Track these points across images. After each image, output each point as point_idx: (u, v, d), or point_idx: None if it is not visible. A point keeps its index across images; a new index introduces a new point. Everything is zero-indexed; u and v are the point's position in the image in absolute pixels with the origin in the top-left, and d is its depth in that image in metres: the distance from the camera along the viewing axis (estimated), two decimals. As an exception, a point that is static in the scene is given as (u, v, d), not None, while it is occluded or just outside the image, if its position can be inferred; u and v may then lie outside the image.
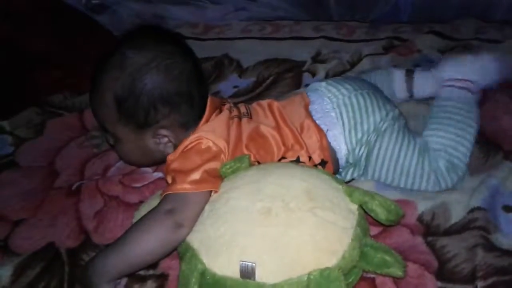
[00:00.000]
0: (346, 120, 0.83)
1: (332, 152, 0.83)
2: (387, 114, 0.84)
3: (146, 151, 0.80)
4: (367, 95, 0.85)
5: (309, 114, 0.84)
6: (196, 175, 0.72)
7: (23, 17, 1.21)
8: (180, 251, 0.70)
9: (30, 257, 0.81)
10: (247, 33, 1.48)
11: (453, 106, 0.91)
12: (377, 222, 0.73)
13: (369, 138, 0.83)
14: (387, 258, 0.65)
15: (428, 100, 1.01)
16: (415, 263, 0.72)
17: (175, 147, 0.78)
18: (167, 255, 0.72)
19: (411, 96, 1.02)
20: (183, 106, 0.77)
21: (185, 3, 1.52)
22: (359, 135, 0.83)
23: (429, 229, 0.78)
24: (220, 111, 0.82)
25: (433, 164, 0.83)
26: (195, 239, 0.68)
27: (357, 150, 0.83)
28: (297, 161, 0.80)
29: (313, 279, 0.61)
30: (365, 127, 0.83)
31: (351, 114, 0.83)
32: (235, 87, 1.23)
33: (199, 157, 0.75)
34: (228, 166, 0.75)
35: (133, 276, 0.74)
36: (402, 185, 0.85)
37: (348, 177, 0.87)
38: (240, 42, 1.44)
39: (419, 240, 0.77)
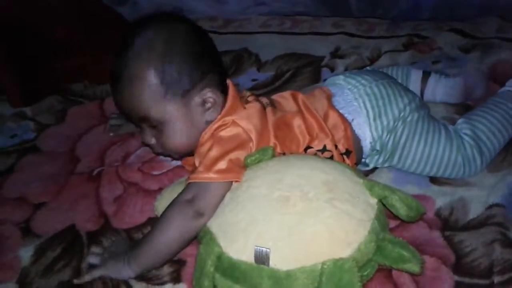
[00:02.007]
0: (370, 109, 0.84)
1: (356, 141, 0.83)
2: (409, 102, 0.84)
3: (194, 124, 0.78)
4: (387, 85, 0.86)
5: (332, 105, 0.85)
6: (221, 165, 0.73)
7: (48, 5, 1.23)
8: (199, 235, 0.71)
9: (50, 239, 0.82)
10: (266, 28, 1.48)
11: (502, 103, 0.91)
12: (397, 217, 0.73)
13: (395, 124, 0.83)
14: (405, 253, 0.65)
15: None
16: (432, 256, 0.72)
17: (217, 112, 0.79)
18: (190, 242, 0.73)
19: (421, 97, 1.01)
20: (215, 65, 0.80)
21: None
22: (385, 122, 0.83)
23: (446, 223, 0.78)
24: (247, 101, 0.82)
25: (461, 149, 0.83)
26: (214, 224, 0.69)
27: (384, 137, 0.83)
28: (323, 150, 0.81)
29: (327, 268, 0.61)
30: (390, 114, 0.83)
31: (374, 102, 0.84)
32: (253, 80, 1.24)
33: (228, 144, 0.75)
34: (253, 158, 0.75)
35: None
36: (427, 171, 0.85)
37: (372, 165, 0.87)
38: (259, 36, 1.44)
39: (437, 234, 0.76)
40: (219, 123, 0.77)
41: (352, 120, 0.83)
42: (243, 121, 0.77)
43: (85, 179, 0.94)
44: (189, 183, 0.73)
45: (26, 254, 0.80)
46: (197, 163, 0.76)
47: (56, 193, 0.91)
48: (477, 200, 0.81)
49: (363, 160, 0.86)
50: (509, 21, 1.32)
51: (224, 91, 0.81)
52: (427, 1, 1.41)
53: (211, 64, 0.79)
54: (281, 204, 0.66)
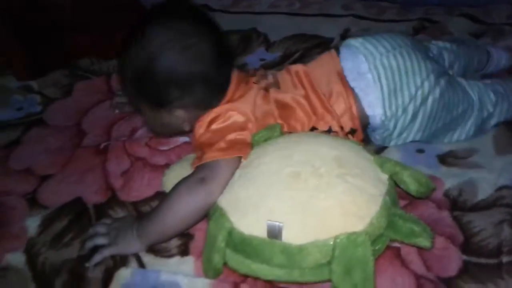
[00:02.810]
0: (385, 84, 0.79)
1: (363, 118, 0.82)
2: (427, 75, 0.80)
3: (165, 125, 0.81)
4: (407, 54, 0.81)
5: (339, 76, 0.82)
6: (222, 144, 0.73)
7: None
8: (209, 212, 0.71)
9: (57, 210, 0.82)
10: (275, 8, 1.47)
11: None
12: (406, 194, 0.73)
13: (411, 102, 0.80)
14: (416, 228, 0.64)
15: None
16: (440, 235, 0.72)
17: (191, 125, 0.79)
18: (201, 220, 0.73)
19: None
20: (198, 88, 0.76)
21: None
22: (400, 100, 0.80)
23: (455, 204, 0.78)
24: (246, 84, 0.81)
25: (478, 118, 0.87)
26: (223, 200, 0.68)
27: (399, 114, 0.80)
28: (329, 131, 0.80)
29: (340, 242, 0.61)
30: (406, 92, 0.80)
31: (390, 76, 0.79)
32: (262, 60, 1.23)
33: (225, 130, 0.75)
34: (260, 135, 0.76)
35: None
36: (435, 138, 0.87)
37: (381, 142, 0.86)
38: (268, 16, 1.43)
39: (445, 214, 0.76)
40: (212, 115, 0.77)
41: (363, 97, 0.81)
42: (237, 106, 0.77)
43: (91, 153, 0.94)
44: (197, 166, 0.73)
45: (33, 224, 0.79)
46: (199, 154, 0.76)
47: (62, 166, 0.91)
48: (486, 181, 0.81)
49: (376, 137, 0.85)
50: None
51: (218, 96, 0.78)
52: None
53: (194, 87, 0.75)
54: (292, 180, 0.66)
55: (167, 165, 0.88)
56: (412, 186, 0.69)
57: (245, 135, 0.76)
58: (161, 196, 0.80)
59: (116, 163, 0.91)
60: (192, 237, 0.75)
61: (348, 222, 0.63)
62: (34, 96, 1.12)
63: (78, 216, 0.80)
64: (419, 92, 0.80)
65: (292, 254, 0.62)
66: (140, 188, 0.85)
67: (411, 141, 0.86)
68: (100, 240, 0.73)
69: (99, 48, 1.25)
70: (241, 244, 0.64)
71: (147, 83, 0.75)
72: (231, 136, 0.74)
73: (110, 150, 0.94)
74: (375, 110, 0.81)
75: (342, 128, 0.81)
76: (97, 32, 1.24)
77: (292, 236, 0.62)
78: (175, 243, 0.74)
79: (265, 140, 0.76)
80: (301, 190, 0.65)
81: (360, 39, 0.84)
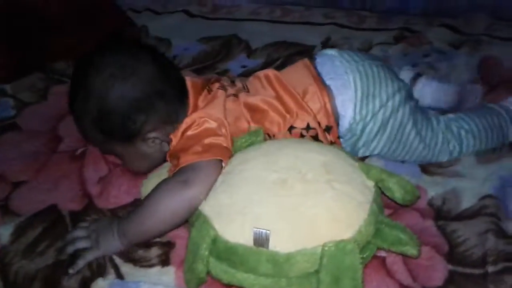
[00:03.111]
0: (359, 87, 0.80)
1: (336, 118, 0.81)
2: (399, 89, 0.82)
3: (146, 156, 0.80)
4: (381, 67, 0.83)
5: (315, 78, 0.81)
6: (197, 147, 0.72)
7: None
8: (190, 218, 0.68)
9: (31, 218, 0.79)
10: (256, 16, 1.47)
11: (497, 112, 0.90)
12: (392, 202, 0.72)
13: (381, 110, 0.80)
14: (402, 236, 0.64)
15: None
16: (426, 245, 0.71)
17: (169, 140, 0.77)
18: (182, 222, 0.71)
19: None
20: (158, 105, 0.76)
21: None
22: (370, 106, 0.80)
23: (439, 213, 0.77)
24: (210, 90, 0.80)
25: (445, 143, 0.84)
26: (206, 207, 0.66)
27: (367, 120, 0.80)
28: (308, 128, 0.79)
29: (328, 250, 0.59)
30: (377, 98, 0.80)
31: (365, 81, 0.80)
32: (243, 66, 1.22)
33: (199, 135, 0.74)
34: (243, 140, 0.74)
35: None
36: (406, 158, 0.85)
37: (348, 149, 0.84)
38: (249, 23, 1.42)
39: (430, 223, 0.76)
40: (184, 126, 0.76)
41: (337, 95, 0.80)
42: (207, 113, 0.76)
43: (67, 158, 0.91)
44: (178, 169, 0.71)
45: (5, 232, 0.76)
46: (175, 163, 0.74)
47: (36, 172, 0.88)
48: (469, 191, 0.81)
49: (343, 144, 0.84)
50: (498, 19, 1.33)
51: (181, 108, 0.78)
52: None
53: (155, 104, 0.76)
54: (278, 186, 0.64)
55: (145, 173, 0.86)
56: (397, 193, 0.68)
57: (220, 140, 0.74)
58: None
59: (93, 169, 0.88)
60: (173, 245, 0.73)
61: (336, 229, 0.62)
62: (7, 99, 1.08)
63: (53, 224, 0.77)
64: (390, 103, 0.81)
65: (279, 262, 0.60)
66: (118, 195, 0.82)
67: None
68: (82, 244, 0.71)
69: (75, 52, 1.20)
70: (226, 252, 0.62)
71: (110, 122, 0.74)
72: (206, 141, 0.73)
73: (87, 156, 0.91)
74: (346, 110, 0.80)
75: (319, 124, 0.80)
76: (74, 35, 1.22)
77: (279, 243, 0.61)
78: (155, 252, 0.72)
79: (248, 146, 0.74)
80: (288, 196, 0.64)
81: (335, 49, 0.86)
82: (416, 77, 1.00)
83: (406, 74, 1.00)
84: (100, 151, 0.84)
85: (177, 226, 0.71)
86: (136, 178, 0.85)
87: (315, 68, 0.83)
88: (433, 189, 0.82)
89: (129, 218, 0.71)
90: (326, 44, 1.29)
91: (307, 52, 1.25)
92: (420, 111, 0.85)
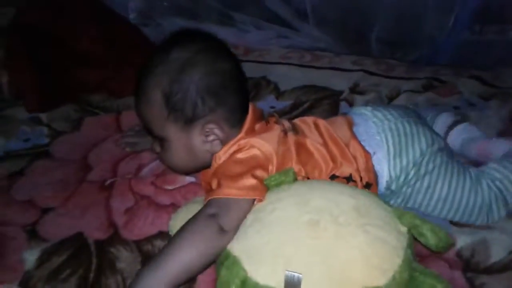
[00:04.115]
0: (391, 145, 0.81)
1: (375, 176, 0.81)
2: (433, 143, 0.82)
3: (194, 151, 0.79)
4: (413, 123, 0.84)
5: (353, 135, 0.83)
6: (245, 181, 0.71)
7: (74, 15, 1.24)
8: (219, 257, 0.67)
9: (57, 244, 0.79)
10: (286, 59, 1.49)
11: None
12: (418, 251, 0.70)
13: (415, 167, 0.80)
14: (438, 284, 0.61)
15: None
16: (454, 298, 0.69)
17: (222, 144, 0.77)
18: (210, 263, 0.68)
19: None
20: (229, 100, 0.77)
21: (230, 24, 1.55)
22: (404, 162, 0.80)
23: (468, 265, 0.76)
24: (267, 122, 0.81)
25: (485, 197, 0.81)
26: (236, 246, 0.65)
27: (401, 178, 0.80)
28: (349, 179, 0.78)
29: (362, 297, 0.58)
30: (411, 154, 0.80)
31: (396, 139, 0.81)
32: (271, 107, 1.23)
33: (247, 164, 0.73)
34: (272, 179, 0.73)
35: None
36: (449, 217, 0.82)
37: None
38: (279, 67, 1.45)
39: (458, 274, 0.74)
40: (235, 147, 0.76)
41: (374, 153, 0.81)
42: (260, 143, 0.75)
43: (96, 188, 0.92)
44: (210, 199, 0.70)
45: (31, 257, 0.77)
46: (214, 184, 0.73)
47: (65, 199, 0.89)
48: (499, 243, 0.79)
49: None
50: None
51: (241, 120, 0.79)
52: (448, 47, 1.42)
53: (226, 97, 0.77)
54: (311, 228, 0.63)
55: (172, 205, 0.87)
56: (432, 240, 0.66)
57: (264, 175, 0.73)
58: (164, 235, 0.79)
59: (120, 200, 0.89)
60: (194, 281, 0.72)
61: (370, 275, 0.60)
62: (42, 128, 1.11)
63: (77, 251, 0.78)
64: (423, 158, 0.80)
65: (312, 307, 0.58)
66: (143, 227, 0.83)
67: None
68: None
69: (110, 85, 1.25)
70: (256, 294, 0.60)
71: (181, 96, 0.74)
72: (257, 173, 0.72)
73: (115, 187, 0.92)
74: (383, 168, 0.81)
75: (361, 178, 0.79)
76: (109, 69, 1.25)
77: (311, 287, 0.59)
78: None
79: (277, 184, 0.74)
80: (320, 239, 0.62)
81: (369, 108, 0.87)
82: (454, 125, 1.00)
83: (444, 119, 1.01)
84: (150, 132, 0.81)
85: (203, 269, 0.68)
86: (161, 209, 0.86)
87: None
88: (462, 238, 0.80)
89: (151, 263, 0.65)
90: (354, 90, 1.31)
91: (334, 97, 1.27)
92: (457, 164, 0.84)
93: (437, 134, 0.87)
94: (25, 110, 1.16)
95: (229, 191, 0.69)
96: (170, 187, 0.92)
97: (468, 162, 0.94)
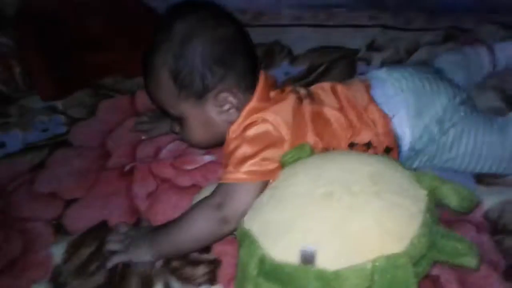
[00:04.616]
0: (411, 104, 0.78)
1: (396, 139, 0.79)
2: (454, 96, 0.79)
3: (212, 124, 0.78)
4: (432, 79, 0.81)
5: (371, 99, 0.80)
6: (252, 165, 0.70)
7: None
8: (238, 237, 0.68)
9: (83, 236, 0.81)
10: (299, 20, 1.44)
11: None
12: (443, 215, 0.69)
13: (438, 123, 0.78)
14: (460, 246, 0.60)
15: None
16: (481, 262, 0.68)
17: (239, 111, 0.76)
18: (214, 242, 0.74)
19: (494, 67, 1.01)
20: (237, 64, 0.76)
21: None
22: (427, 120, 0.78)
23: (496, 227, 0.74)
24: (282, 90, 0.79)
25: None
26: (254, 225, 0.65)
27: (425, 138, 0.78)
28: (369, 145, 0.77)
29: (379, 266, 0.57)
30: (432, 111, 0.78)
31: (416, 97, 0.78)
32: (286, 74, 1.20)
33: (257, 142, 0.72)
34: (289, 156, 0.72)
35: (185, 258, 0.74)
36: (477, 169, 0.81)
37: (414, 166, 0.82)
38: (292, 29, 1.40)
39: (486, 238, 0.72)
40: (248, 121, 0.74)
41: (393, 116, 0.78)
42: (274, 117, 0.73)
43: (116, 175, 0.92)
44: (218, 185, 0.72)
45: (58, 251, 0.78)
46: (225, 164, 0.74)
47: (87, 189, 0.90)
48: (528, 203, 0.77)
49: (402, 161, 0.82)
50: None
51: (253, 86, 0.77)
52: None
53: (234, 61, 0.75)
54: (325, 200, 0.62)
55: (193, 186, 0.87)
56: (454, 201, 0.64)
57: (276, 153, 0.72)
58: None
59: (141, 185, 0.89)
60: (219, 263, 0.73)
61: (387, 243, 0.59)
62: (59, 116, 1.12)
63: (104, 242, 0.78)
64: (445, 113, 0.78)
65: (328, 280, 0.58)
66: (166, 211, 0.83)
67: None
68: (114, 246, 0.75)
69: (123, 67, 1.24)
70: (273, 272, 0.61)
71: (188, 71, 0.73)
72: (264, 155, 0.71)
73: (135, 172, 0.92)
74: (404, 129, 0.78)
75: (381, 143, 0.78)
76: (121, 51, 1.23)
77: (327, 260, 0.59)
78: (202, 270, 0.72)
79: (294, 161, 0.73)
80: (334, 210, 0.61)
81: (384, 69, 0.85)
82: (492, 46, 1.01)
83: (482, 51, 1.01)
84: (166, 113, 0.81)
85: (211, 243, 0.74)
86: (182, 191, 0.86)
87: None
88: (489, 200, 0.78)
89: (163, 231, 0.73)
90: (371, 47, 1.26)
91: (350, 56, 1.23)
92: (481, 114, 0.82)
93: (458, 86, 0.84)
94: (40, 99, 1.16)
95: (236, 176, 0.70)
96: (190, 167, 0.92)
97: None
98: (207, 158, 0.93)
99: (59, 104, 1.15)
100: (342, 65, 1.21)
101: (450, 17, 1.33)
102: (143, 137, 1.01)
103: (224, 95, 0.75)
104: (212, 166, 0.91)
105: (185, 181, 0.89)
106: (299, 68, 1.22)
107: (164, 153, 0.97)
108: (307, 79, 1.17)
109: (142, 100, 1.10)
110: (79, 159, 0.97)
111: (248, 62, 0.77)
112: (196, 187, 0.87)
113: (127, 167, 0.94)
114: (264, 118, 0.73)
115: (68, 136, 1.05)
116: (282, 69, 1.22)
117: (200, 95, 0.75)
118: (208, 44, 0.73)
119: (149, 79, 0.78)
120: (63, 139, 1.04)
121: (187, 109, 0.77)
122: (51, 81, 1.18)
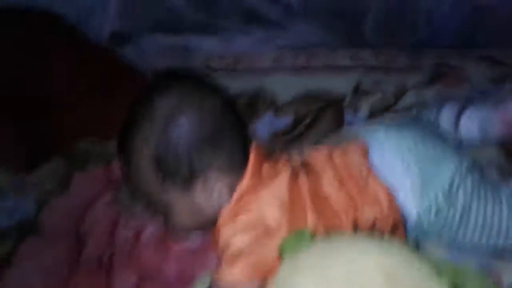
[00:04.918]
0: (416, 172, 0.72)
1: (402, 215, 0.72)
2: (461, 163, 0.73)
3: (201, 210, 0.72)
4: (436, 140, 0.76)
5: (370, 169, 0.73)
6: (247, 263, 0.65)
7: (44, 56, 1.15)
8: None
9: None
10: (279, 63, 1.38)
11: None
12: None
13: (446, 196, 0.71)
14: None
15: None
16: None
17: (230, 192, 0.70)
18: None
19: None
20: (226, 141, 0.71)
21: (213, 33, 1.44)
22: (432, 193, 0.71)
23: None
24: (276, 161, 0.74)
25: None
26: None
27: (433, 212, 0.71)
28: (374, 226, 0.70)
29: None
30: (438, 182, 0.71)
31: (421, 164, 0.72)
32: (271, 128, 1.14)
33: (251, 230, 0.66)
34: (287, 245, 0.64)
35: None
36: (490, 243, 0.74)
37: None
38: (273, 74, 1.34)
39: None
40: (241, 203, 0.69)
41: (395, 189, 0.72)
42: (267, 200, 0.68)
43: (93, 269, 0.84)
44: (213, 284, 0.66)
45: None
46: (219, 253, 0.68)
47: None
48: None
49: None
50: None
51: (244, 161, 0.71)
52: (448, 27, 1.31)
53: (222, 139, 0.71)
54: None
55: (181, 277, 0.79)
56: None
57: (273, 244, 0.65)
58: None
59: (121, 278, 0.81)
60: None
61: None
62: (27, 195, 1.02)
63: None
64: (455, 184, 0.72)
65: None
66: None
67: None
68: None
69: (96, 127, 1.15)
70: None
71: (173, 157, 0.68)
72: (254, 257, 0.65)
73: (114, 264, 0.84)
74: (409, 205, 0.72)
75: (386, 220, 0.71)
76: (90, 109, 1.15)
77: None
78: None
79: (294, 249, 0.66)
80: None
81: (383, 129, 0.78)
82: (460, 113, 0.90)
83: (449, 112, 0.90)
84: (147, 207, 0.76)
85: None
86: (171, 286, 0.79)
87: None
88: (509, 277, 0.72)
89: None
90: (356, 91, 1.21)
91: (338, 103, 1.17)
92: (489, 181, 0.76)
93: (461, 152, 0.77)
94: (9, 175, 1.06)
95: (231, 277, 0.64)
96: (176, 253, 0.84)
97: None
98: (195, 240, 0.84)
99: (29, 178, 1.06)
100: (329, 114, 1.16)
101: (433, 54, 1.29)
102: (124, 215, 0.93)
103: (213, 179, 0.70)
104: (201, 252, 0.83)
105: (172, 268, 0.81)
106: (284, 119, 1.16)
107: (146, 234, 0.88)
108: (293, 133, 1.11)
109: (118, 169, 1.01)
110: (51, 250, 0.88)
111: (237, 137, 0.73)
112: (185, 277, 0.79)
113: (105, 257, 0.85)
114: (257, 202, 0.68)
115: (37, 218, 0.96)
116: (267, 122, 1.16)
117: (187, 181, 0.70)
118: (194, 124, 0.68)
119: (128, 165, 0.72)
120: (31, 225, 0.94)
121: (172, 197, 0.71)
122: (16, 152, 1.09)
